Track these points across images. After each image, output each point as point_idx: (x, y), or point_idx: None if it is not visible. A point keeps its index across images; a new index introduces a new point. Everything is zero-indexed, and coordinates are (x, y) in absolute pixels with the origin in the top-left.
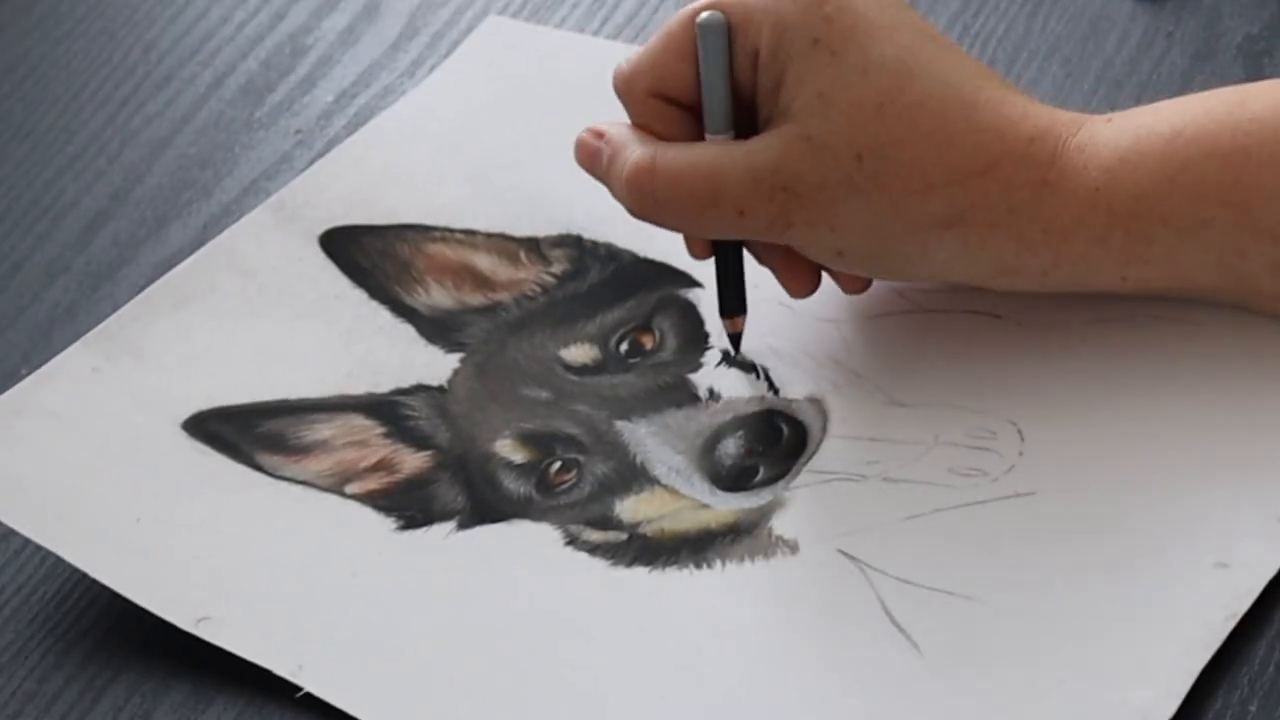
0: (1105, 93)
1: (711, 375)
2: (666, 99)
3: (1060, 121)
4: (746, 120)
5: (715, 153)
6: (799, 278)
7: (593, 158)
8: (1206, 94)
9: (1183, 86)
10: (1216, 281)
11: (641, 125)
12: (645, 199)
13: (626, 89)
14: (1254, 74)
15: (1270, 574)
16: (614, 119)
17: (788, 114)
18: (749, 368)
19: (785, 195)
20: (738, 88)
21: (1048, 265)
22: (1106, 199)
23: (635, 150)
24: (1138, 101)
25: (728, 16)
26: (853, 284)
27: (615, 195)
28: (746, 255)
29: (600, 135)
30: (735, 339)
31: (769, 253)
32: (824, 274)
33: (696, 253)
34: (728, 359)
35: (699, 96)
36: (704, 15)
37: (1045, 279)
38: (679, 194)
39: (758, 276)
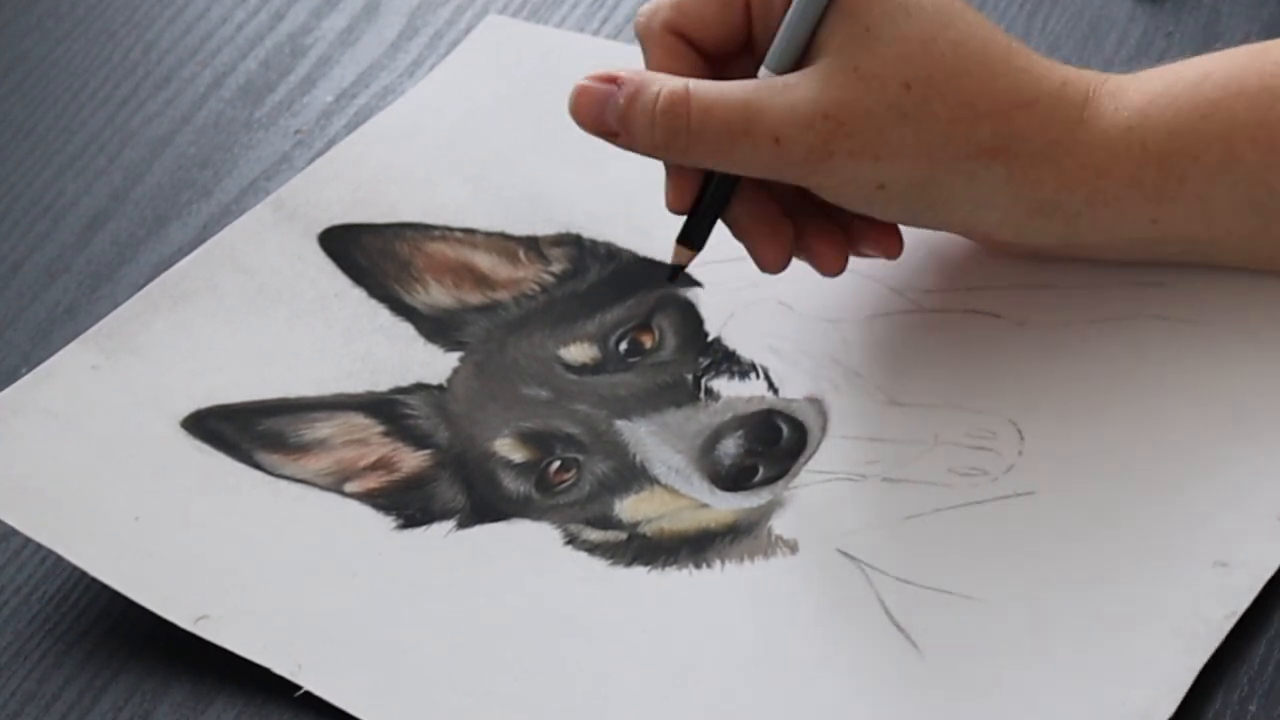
0: None
1: (711, 375)
2: (684, 38)
3: (1087, 74)
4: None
5: (752, 85)
6: (775, 247)
7: (598, 103)
8: (1230, 49)
9: None
10: (1243, 222)
11: (658, 68)
12: (678, 128)
13: (646, 25)
14: None
15: (1270, 573)
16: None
17: (831, 49)
18: (748, 368)
19: (828, 123)
20: (766, 32)
21: (1081, 204)
22: (1140, 137)
23: (666, 82)
24: None
25: None
26: (889, 243)
27: (633, 134)
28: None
29: (612, 79)
30: (677, 270)
31: (749, 220)
32: (804, 260)
33: (680, 201)
34: (668, 280)
35: (721, 38)
36: None
37: (1078, 220)
38: (713, 122)
39: (759, 276)
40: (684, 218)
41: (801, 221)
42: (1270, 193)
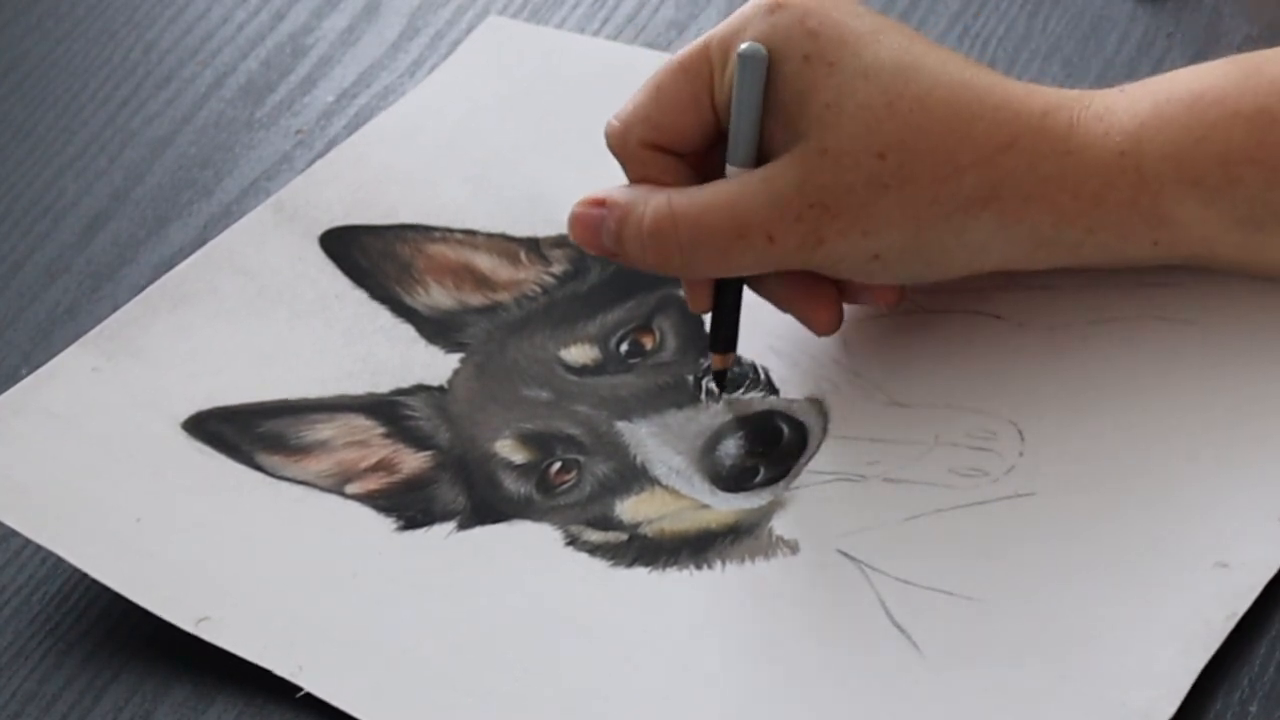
0: None
1: (712, 376)
2: (662, 150)
3: (1069, 96)
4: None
5: (733, 186)
6: (824, 310)
7: (592, 229)
8: (1218, 62)
9: None
10: (1246, 239)
11: (640, 179)
12: (670, 248)
13: (620, 144)
14: None
15: (1270, 574)
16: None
17: (795, 133)
18: (749, 369)
19: (814, 211)
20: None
21: (1082, 234)
22: (1134, 162)
23: (649, 202)
24: None
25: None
26: (887, 296)
27: (630, 257)
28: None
29: (599, 203)
30: (721, 375)
31: (788, 292)
32: (855, 299)
33: (699, 304)
34: (712, 396)
35: (697, 143)
36: (745, 46)
37: (1080, 250)
38: (703, 234)
39: None
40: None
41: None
42: (1272, 211)
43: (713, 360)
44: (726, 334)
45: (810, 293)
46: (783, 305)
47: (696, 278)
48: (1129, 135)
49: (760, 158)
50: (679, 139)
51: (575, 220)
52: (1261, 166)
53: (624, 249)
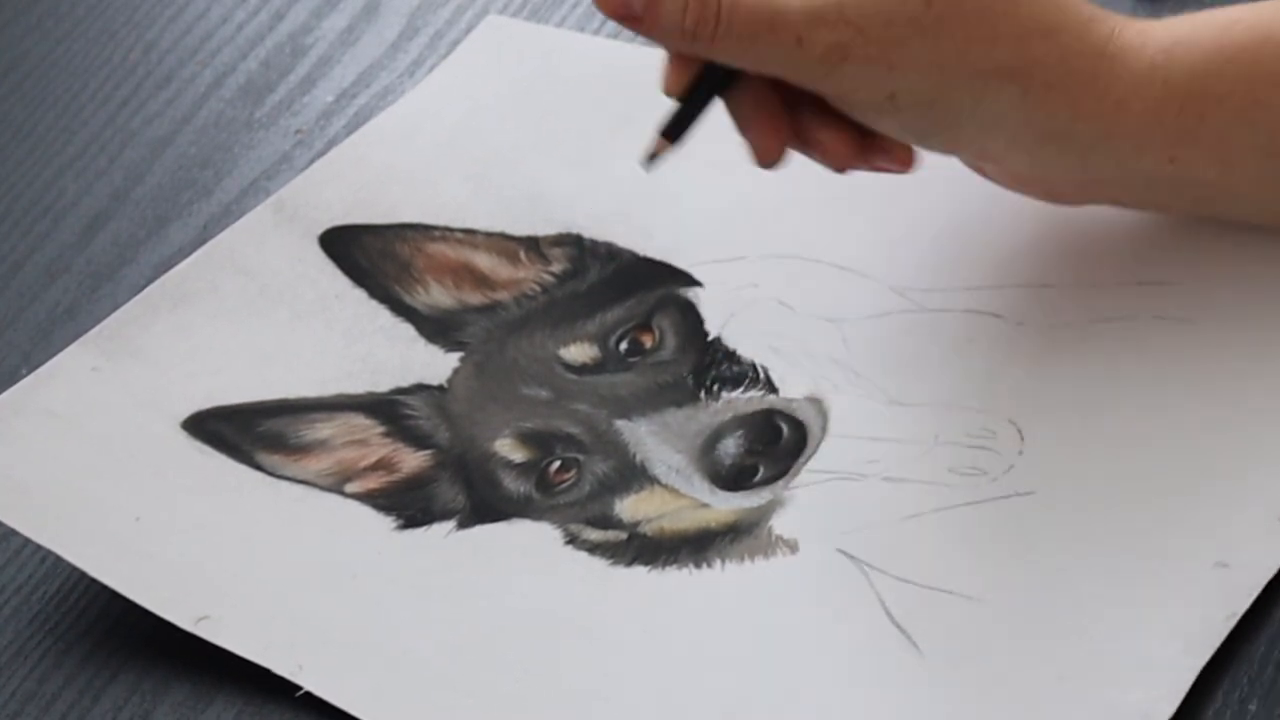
0: None
1: (711, 375)
2: None
3: (1115, 15)
4: None
5: None
6: (771, 139)
7: None
8: (1257, 2)
9: None
10: (1262, 167)
11: None
12: (708, 17)
13: None
14: None
15: (1270, 573)
16: (612, 114)
17: None
18: (748, 368)
19: (848, 29)
20: None
21: (1098, 136)
22: (1163, 74)
23: None
24: None
25: None
26: (903, 155)
27: (657, 19)
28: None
29: None
30: (652, 158)
31: (750, 108)
32: (813, 157)
33: (674, 86)
34: (643, 165)
35: None
36: None
37: (1090, 153)
38: (739, 15)
39: (760, 276)
40: (666, 121)
41: (814, 119)
42: None
43: (656, 142)
44: (682, 124)
45: (769, 119)
46: (739, 122)
47: (715, 58)
48: (1162, 49)
49: None
50: None
51: None
52: None
53: (657, 9)
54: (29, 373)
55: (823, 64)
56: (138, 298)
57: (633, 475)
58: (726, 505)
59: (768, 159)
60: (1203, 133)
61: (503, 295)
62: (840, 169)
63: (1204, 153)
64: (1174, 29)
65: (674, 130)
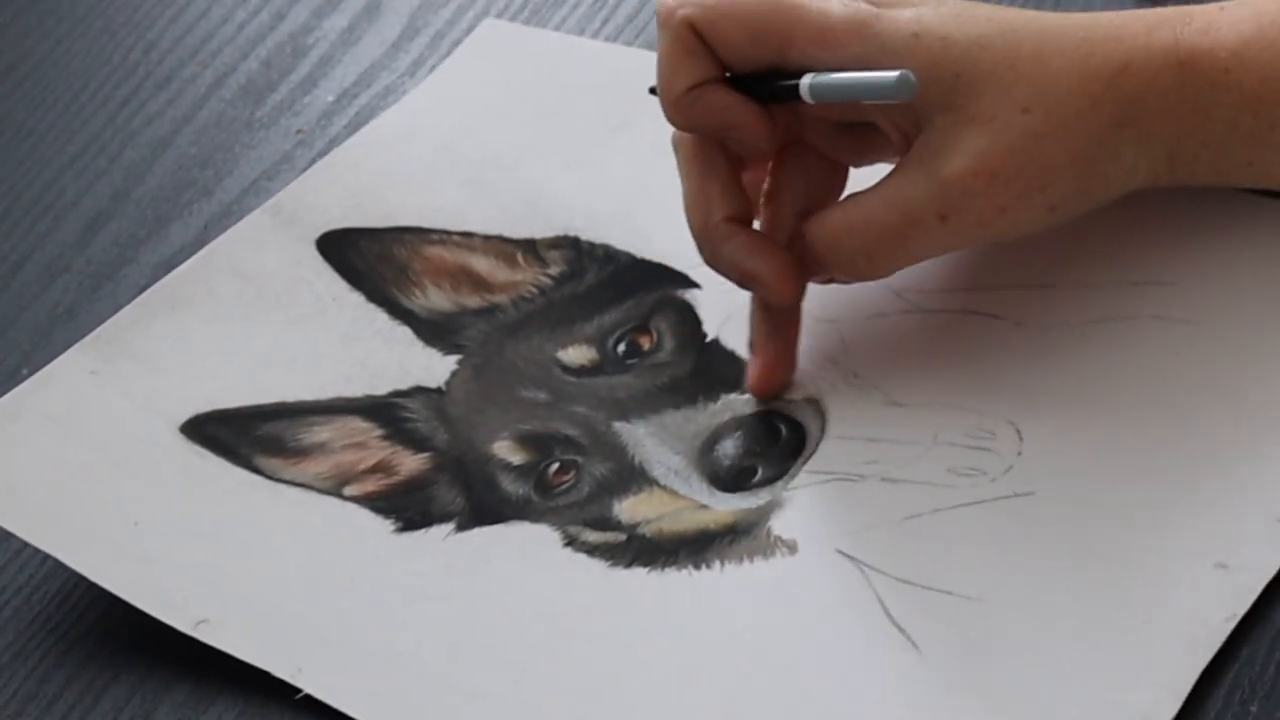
0: None
1: (710, 376)
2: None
3: (1167, 13)
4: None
5: (891, 179)
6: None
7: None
8: None
9: None
10: None
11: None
12: (849, 252)
13: (668, 14)
14: None
15: (1270, 574)
16: (609, 117)
17: (930, 110)
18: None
19: (982, 180)
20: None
21: (1198, 147)
22: (1237, 80)
23: (819, 220)
24: None
25: None
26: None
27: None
28: None
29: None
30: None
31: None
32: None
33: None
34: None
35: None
36: (899, 75)
37: (1196, 165)
38: (875, 233)
39: None
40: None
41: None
42: None
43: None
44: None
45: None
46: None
47: (879, 278)
48: (1233, 53)
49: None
50: (729, 49)
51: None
52: None
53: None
54: (29, 372)
55: (979, 227)
56: (135, 301)
57: (631, 477)
58: (725, 506)
59: (787, 300)
60: (1275, 139)
61: (500, 298)
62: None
63: (1277, 156)
64: (1240, 27)
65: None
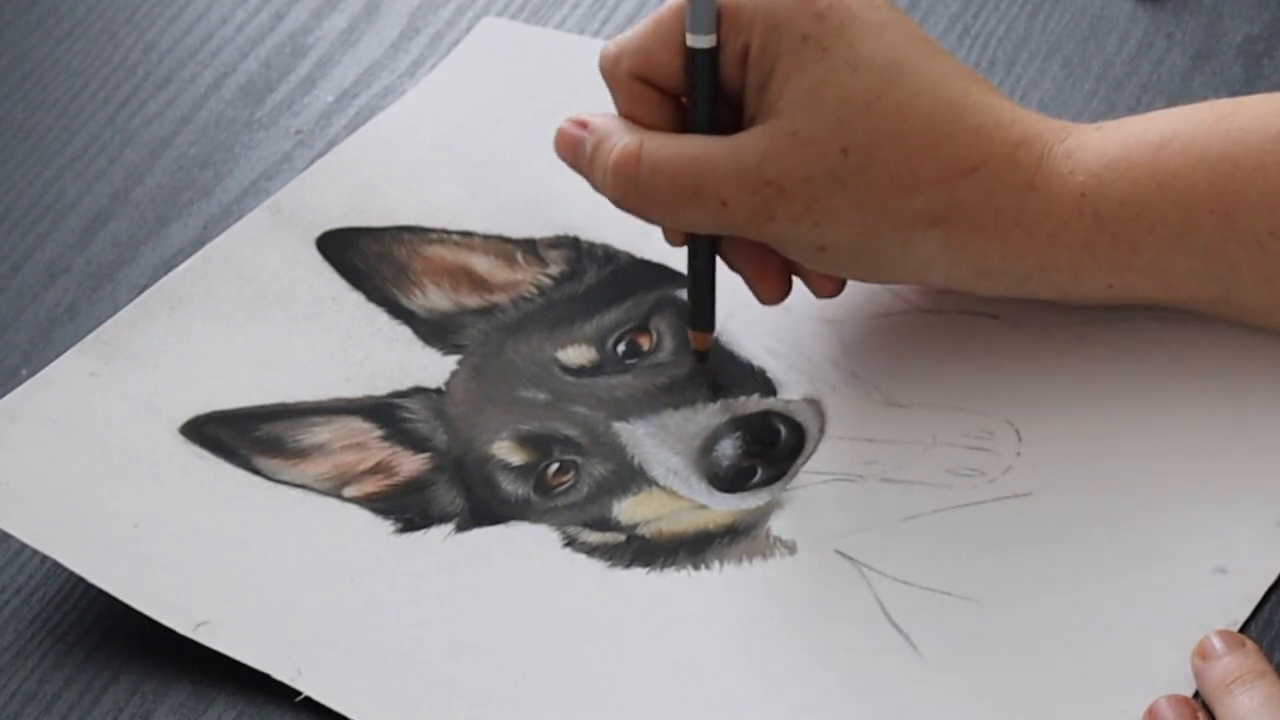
0: (1105, 93)
1: (709, 376)
2: (649, 83)
3: (1049, 128)
4: (733, 117)
5: (701, 145)
6: (770, 281)
7: (574, 147)
8: (1199, 105)
9: (1183, 87)
10: (1202, 290)
11: (626, 114)
12: (629, 187)
13: (611, 69)
14: (1254, 74)
15: (1270, 579)
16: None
17: (774, 110)
18: (746, 370)
19: (769, 189)
20: (726, 83)
21: (1031, 269)
22: (1093, 205)
23: (621, 137)
24: (1138, 102)
25: (720, 11)
26: (826, 286)
27: (595, 184)
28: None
29: (583, 124)
30: (701, 355)
31: (741, 255)
32: (795, 278)
33: (672, 237)
34: (699, 362)
35: (682, 83)
36: (692, 39)
37: (1028, 284)
38: (662, 183)
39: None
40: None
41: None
42: (1229, 265)
43: (695, 338)
44: (704, 312)
45: (760, 262)
46: (733, 266)
47: (649, 221)
48: (1092, 176)
49: (746, 121)
50: (667, 76)
51: (560, 136)
52: (1220, 216)
53: (591, 175)
54: (29, 373)
55: (751, 224)
56: (135, 302)
57: (631, 477)
58: (724, 507)
59: (770, 298)
60: (1137, 261)
61: (500, 298)
62: (770, 301)
63: (1141, 279)
64: (1105, 148)
65: (700, 319)
